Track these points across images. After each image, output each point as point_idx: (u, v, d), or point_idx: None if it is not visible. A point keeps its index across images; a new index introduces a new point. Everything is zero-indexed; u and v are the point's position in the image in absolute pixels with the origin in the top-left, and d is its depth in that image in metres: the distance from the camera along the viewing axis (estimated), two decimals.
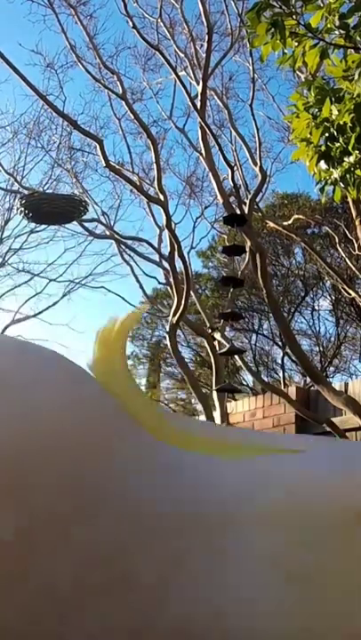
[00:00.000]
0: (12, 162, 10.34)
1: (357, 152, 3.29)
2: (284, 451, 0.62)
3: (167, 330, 6.24)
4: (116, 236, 8.30)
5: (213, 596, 0.57)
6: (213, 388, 5.73)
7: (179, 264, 6.52)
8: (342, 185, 3.51)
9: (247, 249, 5.32)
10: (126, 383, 0.65)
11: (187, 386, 9.74)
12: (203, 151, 6.73)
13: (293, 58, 3.37)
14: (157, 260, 7.86)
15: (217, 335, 6.16)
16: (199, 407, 5.75)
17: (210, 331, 6.07)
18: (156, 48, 7.11)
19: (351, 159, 3.34)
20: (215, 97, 8.08)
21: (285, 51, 3.34)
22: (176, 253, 6.49)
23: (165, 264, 7.19)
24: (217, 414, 5.60)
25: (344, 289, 9.14)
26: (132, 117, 7.03)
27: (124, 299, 13.41)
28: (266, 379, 11.63)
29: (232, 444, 0.63)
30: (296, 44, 3.31)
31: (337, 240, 9.41)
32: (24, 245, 11.58)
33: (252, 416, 6.28)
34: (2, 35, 12.97)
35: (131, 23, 6.95)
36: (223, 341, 5.87)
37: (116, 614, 0.57)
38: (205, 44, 6.72)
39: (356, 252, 8.40)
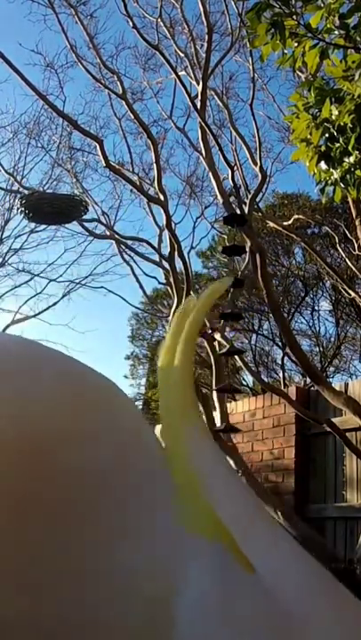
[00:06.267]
0: (12, 162, 10.35)
1: (357, 152, 3.29)
2: None
3: (167, 330, 6.18)
4: (116, 236, 8.29)
5: None
6: (213, 388, 5.72)
7: (179, 264, 6.51)
8: (342, 185, 3.51)
9: (247, 249, 5.31)
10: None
11: None
12: (203, 151, 6.72)
13: (293, 58, 3.37)
14: (157, 260, 7.85)
15: (217, 335, 6.15)
16: (199, 407, 5.75)
17: (210, 331, 6.06)
18: (156, 48, 7.10)
19: (351, 159, 3.34)
20: (215, 97, 8.07)
21: (285, 51, 3.34)
22: (176, 253, 6.48)
23: (165, 264, 7.18)
24: (217, 414, 5.60)
25: (344, 289, 9.13)
26: (133, 117, 7.02)
27: (124, 299, 13.48)
28: (266, 379, 11.63)
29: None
30: (296, 44, 3.30)
31: (337, 240, 9.40)
32: (24, 245, 11.60)
33: (252, 416, 6.28)
34: (2, 35, 12.95)
35: (131, 23, 6.95)
36: (223, 342, 5.86)
37: None
38: (205, 44, 6.71)
39: (357, 251, 8.38)
